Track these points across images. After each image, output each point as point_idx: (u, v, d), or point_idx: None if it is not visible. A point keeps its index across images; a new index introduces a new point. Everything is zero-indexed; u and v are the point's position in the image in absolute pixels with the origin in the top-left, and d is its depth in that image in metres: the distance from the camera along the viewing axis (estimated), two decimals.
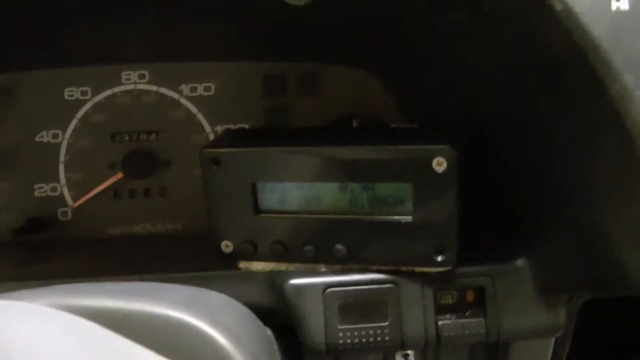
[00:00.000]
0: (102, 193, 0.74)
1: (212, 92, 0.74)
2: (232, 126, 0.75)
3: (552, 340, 0.63)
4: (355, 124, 0.73)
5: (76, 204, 0.74)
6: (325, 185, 0.55)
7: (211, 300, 0.50)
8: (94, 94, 0.73)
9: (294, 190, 0.56)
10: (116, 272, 0.59)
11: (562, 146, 0.49)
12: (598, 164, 0.46)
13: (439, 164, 0.51)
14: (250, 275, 0.58)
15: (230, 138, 0.61)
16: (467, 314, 0.57)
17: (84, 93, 0.73)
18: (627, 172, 0.43)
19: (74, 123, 0.73)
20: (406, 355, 0.66)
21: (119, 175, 0.73)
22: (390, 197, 0.54)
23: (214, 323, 0.43)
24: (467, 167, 0.55)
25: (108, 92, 0.74)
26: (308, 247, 0.56)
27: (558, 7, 0.41)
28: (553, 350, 0.64)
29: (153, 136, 0.74)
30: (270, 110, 0.75)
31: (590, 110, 0.44)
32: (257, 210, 0.57)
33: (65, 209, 0.74)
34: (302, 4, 0.51)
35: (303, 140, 0.57)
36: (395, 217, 0.54)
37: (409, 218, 0.54)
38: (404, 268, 0.56)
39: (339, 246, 0.56)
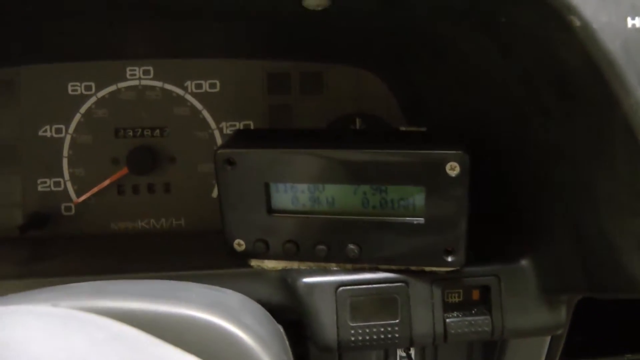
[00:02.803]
0: (106, 188, 0.74)
1: (217, 89, 0.75)
2: (236, 123, 0.76)
3: (549, 337, 0.65)
4: (358, 123, 0.74)
5: (80, 199, 0.74)
6: (338, 186, 0.56)
7: (231, 300, 0.51)
8: (98, 89, 0.74)
9: (306, 191, 0.57)
10: (126, 270, 0.59)
11: (570, 155, 0.51)
12: (605, 175, 0.47)
13: (452, 169, 0.53)
14: (263, 273, 0.60)
15: (243, 138, 0.61)
16: (473, 311, 0.59)
17: (87, 88, 0.74)
18: (634, 184, 0.45)
19: (77, 118, 0.73)
20: (407, 350, 0.67)
21: (124, 170, 0.73)
22: (402, 199, 0.56)
23: (239, 324, 0.44)
24: (473, 169, 0.57)
25: (112, 88, 0.74)
26: (320, 247, 0.57)
27: (577, 23, 0.42)
28: (549, 346, 0.66)
29: (157, 132, 0.75)
30: (274, 108, 0.76)
31: (602, 124, 0.46)
32: (270, 210, 0.58)
33: (68, 204, 0.74)
34: (319, 8, 0.52)
35: (316, 142, 0.57)
36: (407, 219, 0.56)
37: (420, 220, 0.55)
38: (413, 267, 0.58)
39: (351, 246, 0.57)
